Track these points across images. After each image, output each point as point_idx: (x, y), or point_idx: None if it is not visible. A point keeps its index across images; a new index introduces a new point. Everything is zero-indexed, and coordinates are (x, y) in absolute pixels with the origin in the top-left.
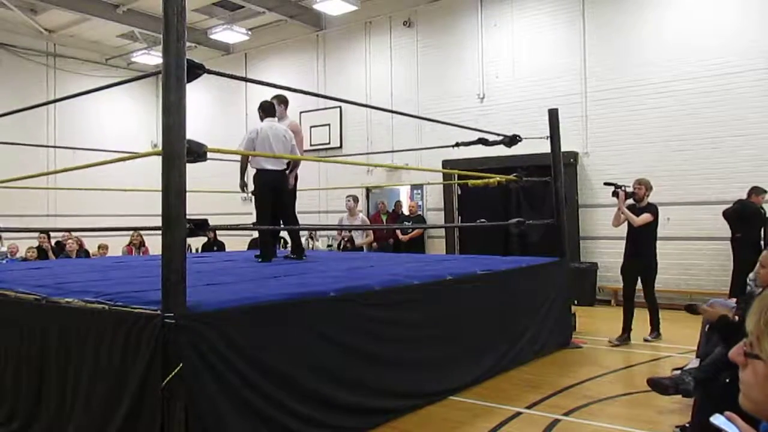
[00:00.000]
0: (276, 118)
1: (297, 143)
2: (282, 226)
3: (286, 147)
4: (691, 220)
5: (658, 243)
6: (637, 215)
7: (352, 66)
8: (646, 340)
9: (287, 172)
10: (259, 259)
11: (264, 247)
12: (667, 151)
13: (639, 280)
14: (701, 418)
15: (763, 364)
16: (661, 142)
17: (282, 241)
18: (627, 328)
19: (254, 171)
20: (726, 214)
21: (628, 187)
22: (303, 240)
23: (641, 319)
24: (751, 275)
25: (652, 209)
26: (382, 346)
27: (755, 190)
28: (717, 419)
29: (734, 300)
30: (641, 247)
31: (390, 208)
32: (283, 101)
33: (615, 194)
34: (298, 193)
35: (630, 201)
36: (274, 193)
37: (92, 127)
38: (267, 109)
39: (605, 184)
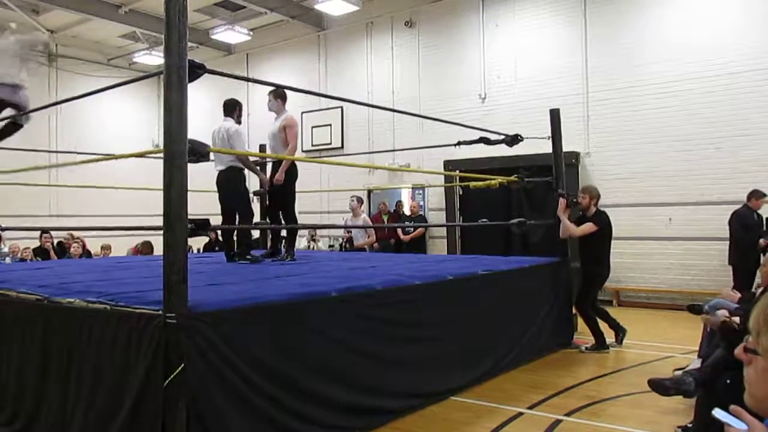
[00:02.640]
0: (232, 119)
1: (290, 137)
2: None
3: (224, 147)
4: (693, 220)
5: (660, 243)
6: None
7: (353, 66)
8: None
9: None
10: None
11: (226, 244)
12: (669, 152)
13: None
14: (703, 419)
15: (762, 359)
16: (663, 142)
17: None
18: (615, 328)
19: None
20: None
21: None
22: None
23: (639, 319)
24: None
25: (597, 219)
26: (383, 346)
27: (755, 194)
28: (718, 412)
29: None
30: (583, 256)
31: (391, 208)
32: (280, 95)
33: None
34: (299, 193)
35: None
36: (219, 193)
37: (94, 126)
38: (225, 108)
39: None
